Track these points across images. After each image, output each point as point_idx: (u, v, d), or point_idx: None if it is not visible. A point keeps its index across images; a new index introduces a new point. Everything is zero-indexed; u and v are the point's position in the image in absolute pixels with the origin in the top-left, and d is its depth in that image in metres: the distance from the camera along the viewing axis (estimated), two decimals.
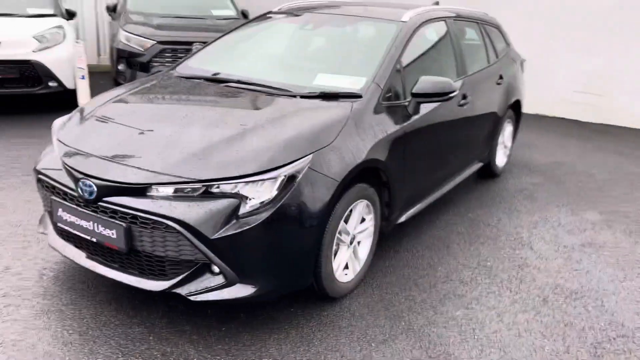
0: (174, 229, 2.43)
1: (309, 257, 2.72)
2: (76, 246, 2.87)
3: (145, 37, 6.86)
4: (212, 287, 2.56)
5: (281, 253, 2.60)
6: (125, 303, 2.91)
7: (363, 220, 3.19)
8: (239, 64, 3.80)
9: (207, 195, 2.51)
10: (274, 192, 2.53)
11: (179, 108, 3.15)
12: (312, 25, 4.08)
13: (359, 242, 3.21)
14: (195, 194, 2.50)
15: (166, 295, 2.72)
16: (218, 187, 2.52)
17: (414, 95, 3.38)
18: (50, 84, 6.94)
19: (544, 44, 8.48)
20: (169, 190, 2.52)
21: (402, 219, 3.60)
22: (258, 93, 3.26)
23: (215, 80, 3.51)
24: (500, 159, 5.42)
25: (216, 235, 2.43)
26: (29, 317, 2.75)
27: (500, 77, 4.91)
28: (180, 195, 2.51)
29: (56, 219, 2.82)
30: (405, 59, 3.59)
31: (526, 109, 8.52)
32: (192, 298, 2.55)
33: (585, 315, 3.07)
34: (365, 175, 3.07)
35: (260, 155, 2.58)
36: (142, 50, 6.75)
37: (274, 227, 2.52)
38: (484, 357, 2.64)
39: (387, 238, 3.83)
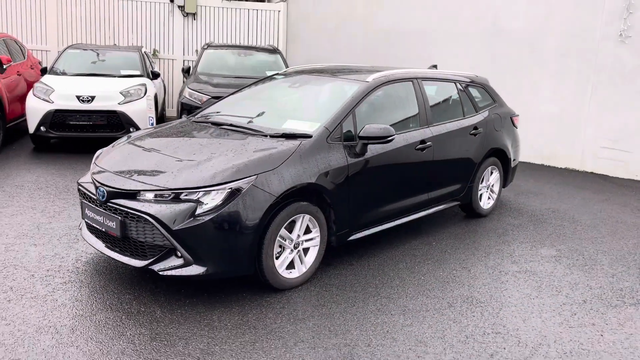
0: (149, 221, 3.53)
1: (250, 251, 3.69)
2: (97, 237, 4.05)
3: (202, 93, 8.32)
4: (175, 266, 3.60)
5: (225, 245, 3.60)
6: (127, 280, 4.02)
7: (310, 231, 4.12)
8: (238, 112, 4.94)
9: (177, 199, 3.60)
10: (220, 200, 3.56)
11: (178, 141, 4.32)
12: (298, 83, 5.17)
13: (306, 249, 4.13)
14: (168, 198, 3.60)
15: (149, 272, 3.78)
16: (186, 195, 3.59)
17: (360, 137, 4.33)
18: (131, 129, 8.52)
19: (574, 101, 8.98)
20: (150, 195, 3.64)
21: (354, 237, 4.48)
22: (240, 133, 4.36)
23: (215, 123, 4.66)
24: (486, 202, 6.09)
25: (177, 227, 3.50)
26: (60, 283, 3.93)
27: (475, 128, 5.68)
28: (158, 199, 3.62)
29: (84, 216, 4.04)
30: (362, 110, 4.56)
31: (556, 162, 9.08)
32: (161, 273, 3.61)
33: (477, 317, 3.74)
34: (309, 196, 4.03)
35: (214, 174, 3.65)
36: (200, 103, 8.18)
37: (219, 225, 3.54)
38: (396, 347, 3.43)
39: (348, 252, 4.70)
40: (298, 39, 12.88)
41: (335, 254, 4.69)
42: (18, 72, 9.64)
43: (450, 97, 5.70)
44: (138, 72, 9.56)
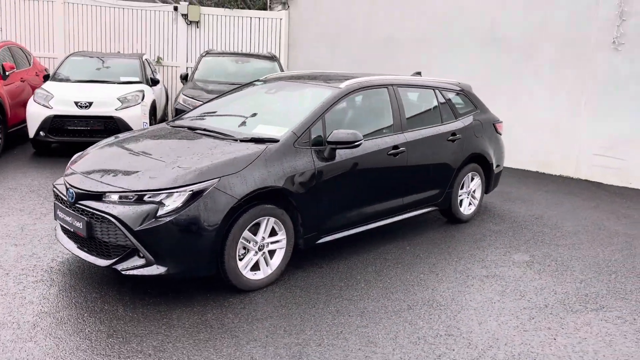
0: (112, 222, 3.65)
1: (211, 252, 3.79)
2: (69, 238, 4.18)
3: (196, 99, 8.47)
4: (137, 266, 3.71)
5: (185, 245, 3.71)
6: (97, 279, 4.14)
7: (277, 234, 4.21)
8: (214, 117, 5.07)
9: (140, 201, 3.71)
10: (181, 202, 3.67)
11: (150, 145, 4.44)
12: (275, 90, 5.28)
13: (272, 251, 4.22)
14: (131, 200, 3.72)
15: (118, 272, 3.89)
16: (150, 197, 3.71)
17: (328, 142, 4.42)
18: None
19: (569, 108, 8.96)
20: (115, 197, 3.76)
21: (322, 241, 4.56)
22: (211, 137, 4.47)
23: (190, 128, 4.78)
24: (466, 208, 6.12)
25: (138, 228, 3.61)
26: (34, 280, 4.07)
27: (453, 134, 5.73)
28: (122, 201, 3.74)
29: (56, 217, 4.18)
30: (334, 116, 4.66)
31: (551, 169, 9.06)
32: (124, 273, 3.72)
33: (433, 320, 3.79)
34: (274, 199, 4.12)
35: (177, 176, 3.76)
36: (192, 109, 8.32)
37: (179, 226, 3.65)
38: (346, 346, 3.50)
39: (320, 254, 4.78)
40: (299, 46, 13.03)
41: (306, 256, 4.77)
42: (22, 78, 9.90)
43: (428, 103, 5.76)
44: (137, 79, 9.75)
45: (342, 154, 4.56)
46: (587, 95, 8.79)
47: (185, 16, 12.77)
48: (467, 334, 3.62)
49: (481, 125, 6.17)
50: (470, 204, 6.22)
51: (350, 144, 4.42)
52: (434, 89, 5.82)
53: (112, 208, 3.71)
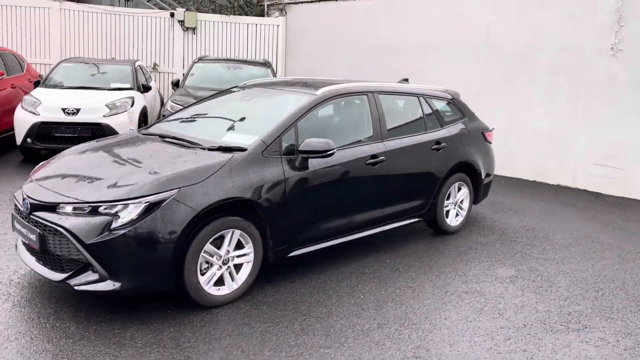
0: (64, 234, 3.49)
1: (169, 267, 3.61)
2: (27, 251, 4.02)
3: (183, 106, 8.33)
4: (90, 281, 3.54)
5: (140, 260, 3.53)
6: (56, 294, 3.98)
7: (243, 247, 4.03)
8: (186, 124, 4.91)
9: (95, 213, 3.54)
10: (136, 214, 3.50)
11: (114, 154, 4.29)
12: (250, 96, 5.11)
13: (238, 265, 4.04)
14: (86, 212, 3.55)
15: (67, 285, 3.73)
16: (105, 208, 3.54)
17: (299, 151, 4.24)
18: None
19: (566, 116, 8.73)
20: (69, 208, 3.60)
21: (294, 254, 4.37)
22: (178, 146, 4.30)
23: (161, 136, 4.62)
24: (453, 219, 5.91)
25: (91, 241, 3.44)
26: None
27: (438, 143, 5.53)
28: (77, 212, 3.57)
29: (13, 228, 4.02)
30: (307, 124, 4.48)
31: (548, 179, 8.82)
32: (76, 288, 3.55)
33: (403, 340, 3.59)
34: (240, 210, 3.94)
35: (133, 187, 3.60)
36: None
37: (134, 239, 3.48)
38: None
39: (293, 267, 4.59)
40: (296, 53, 12.89)
41: (279, 269, 4.59)
42: (13, 84, 9.82)
43: (412, 111, 5.57)
44: (128, 85, 9.65)
45: (315, 163, 4.37)
46: (584, 102, 8.55)
47: (181, 22, 12.68)
48: (436, 356, 3.41)
49: (469, 133, 5.97)
50: (457, 214, 6.00)
51: (322, 154, 4.24)
52: (418, 96, 5.63)
53: (65, 220, 3.54)
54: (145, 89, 10.02)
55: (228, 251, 3.94)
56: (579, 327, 3.89)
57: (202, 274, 3.83)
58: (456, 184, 5.85)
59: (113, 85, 9.55)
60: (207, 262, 3.86)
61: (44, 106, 8.48)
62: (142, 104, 9.40)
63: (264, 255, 4.20)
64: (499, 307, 4.15)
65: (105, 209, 3.54)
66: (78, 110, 8.48)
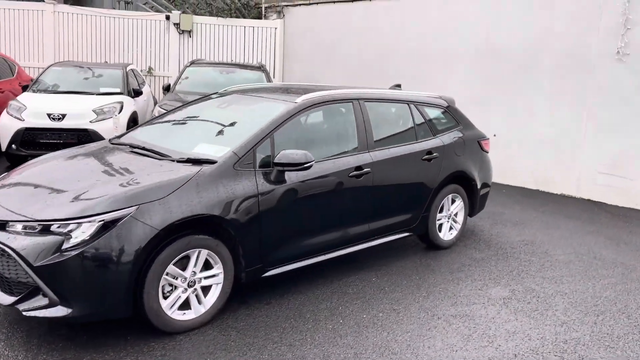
0: (11, 255, 3.20)
1: (126, 291, 3.32)
2: None
3: None
4: (40, 307, 3.25)
5: (94, 284, 3.24)
6: (11, 318, 3.70)
7: (212, 267, 3.73)
8: (159, 134, 4.62)
9: (46, 232, 3.26)
10: (89, 234, 3.21)
11: (76, 167, 4.01)
12: (227, 104, 4.82)
13: (207, 287, 3.75)
14: (36, 231, 3.27)
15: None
16: (58, 227, 3.26)
17: (275, 164, 3.94)
18: None
19: (570, 123, 8.38)
20: (19, 227, 3.31)
21: (270, 273, 4.06)
22: (146, 157, 4.02)
23: (132, 145, 4.33)
24: (446, 233, 5.58)
25: (39, 263, 3.16)
26: None
27: (429, 153, 5.21)
28: (27, 231, 3.29)
29: None
30: (285, 134, 4.18)
31: (551, 188, 8.47)
32: (25, 314, 3.27)
33: None
34: (208, 228, 3.65)
35: (87, 204, 3.31)
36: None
37: (86, 261, 3.19)
38: None
39: (271, 287, 4.29)
40: (294, 56, 12.61)
41: (256, 289, 4.29)
42: (1, 89, 9.61)
43: (401, 119, 5.26)
44: (118, 90, 9.40)
45: (294, 176, 4.08)
46: (590, 108, 8.20)
47: (177, 25, 12.44)
48: None
49: (463, 142, 5.64)
50: (451, 228, 5.68)
51: (299, 166, 3.94)
52: (408, 104, 5.32)
53: (13, 240, 3.26)
54: (136, 93, 9.76)
55: (194, 272, 3.65)
56: (575, 358, 3.56)
57: (165, 298, 3.54)
58: (450, 196, 5.53)
59: (102, 90, 9.30)
60: (170, 285, 3.56)
61: (29, 111, 8.24)
62: (132, 109, 9.14)
63: (236, 275, 3.90)
64: (488, 334, 3.83)
65: (58, 227, 3.25)
66: (64, 115, 8.24)
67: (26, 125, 8.12)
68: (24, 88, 9.42)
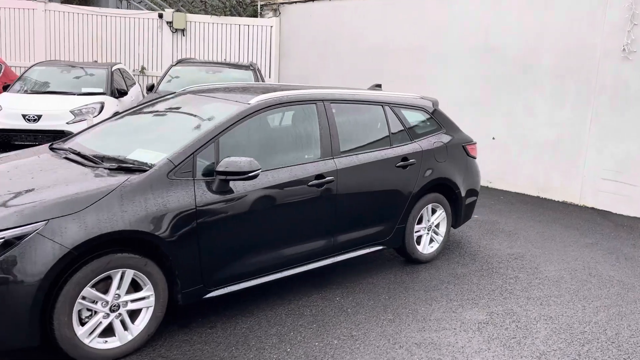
0: None
1: (30, 317, 2.92)
2: None
3: None
4: None
5: None
6: None
7: (141, 289, 3.33)
8: (102, 138, 4.23)
9: None
10: None
11: (3, 173, 3.61)
12: (178, 105, 4.42)
13: (136, 311, 3.34)
14: None
15: None
16: None
17: (217, 173, 3.52)
18: None
19: (573, 126, 7.85)
20: None
21: (213, 295, 3.65)
22: (78, 164, 3.62)
23: (71, 150, 3.93)
24: (426, 246, 5.13)
25: None
26: None
27: (405, 159, 4.76)
28: None
29: None
30: (234, 139, 3.77)
31: (552, 195, 7.95)
32: None
33: None
34: (135, 245, 3.25)
35: None
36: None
37: None
38: None
39: (220, 307, 3.87)
40: (290, 55, 12.20)
41: (202, 311, 3.87)
42: None
43: (374, 122, 4.81)
44: (101, 90, 9.09)
45: (241, 187, 3.66)
46: (593, 110, 7.66)
47: (170, 24, 12.11)
48: None
49: (445, 147, 5.18)
50: (432, 240, 5.22)
51: (242, 175, 3.51)
52: (383, 105, 4.86)
53: None
54: (121, 93, 9.46)
55: (118, 295, 3.24)
56: None
57: (83, 324, 3.14)
58: (429, 206, 5.07)
59: (84, 90, 9.00)
60: (88, 310, 3.16)
61: (4, 112, 7.97)
62: (115, 110, 8.81)
63: (172, 297, 3.49)
64: None
65: None
66: (39, 116, 7.95)
67: (0, 126, 7.83)
68: (5, 88, 9.15)
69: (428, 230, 5.14)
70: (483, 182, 8.78)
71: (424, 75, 9.46)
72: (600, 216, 7.30)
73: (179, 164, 3.47)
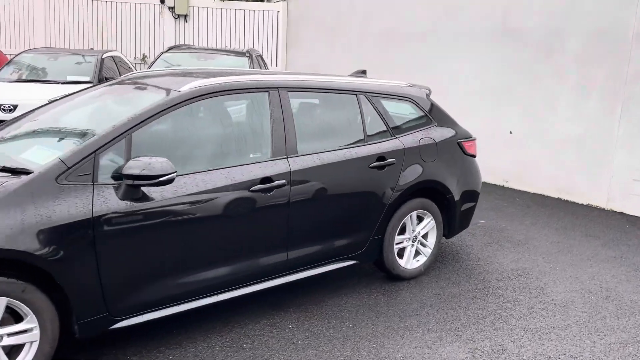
0: None
1: None
2: None
3: None
4: None
5: None
6: None
7: (22, 319, 2.70)
8: (11, 133, 3.59)
9: None
10: None
11: None
12: (105, 94, 3.76)
13: (18, 346, 2.72)
14: None
15: None
16: None
17: (123, 176, 2.85)
18: None
19: (600, 120, 6.92)
20: None
21: (122, 324, 2.99)
22: None
23: None
24: (411, 259, 4.37)
25: None
26: None
27: (382, 159, 4.00)
28: None
29: None
30: (157, 135, 3.10)
31: (575, 197, 7.05)
32: None
33: None
34: (8, 267, 2.62)
35: None
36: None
37: None
38: None
39: (132, 340, 3.21)
40: (298, 41, 11.47)
41: (116, 341, 3.23)
42: None
43: (345, 115, 4.06)
44: (87, 78, 8.56)
45: (159, 193, 2.98)
46: (624, 102, 6.71)
47: (172, 9, 11.56)
48: None
49: (435, 144, 4.39)
50: (418, 253, 4.46)
51: (152, 180, 2.83)
52: (357, 95, 4.10)
53: None
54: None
55: None
56: None
57: None
58: (414, 213, 4.30)
59: (69, 78, 8.48)
60: None
61: None
62: None
63: (65, 329, 2.85)
64: None
65: None
66: (15, 106, 7.46)
67: None
68: None
69: (413, 242, 4.38)
70: (498, 181, 7.94)
71: (434, 62, 8.61)
72: (629, 223, 6.37)
73: (73, 165, 2.81)
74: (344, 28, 10.33)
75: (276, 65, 11.49)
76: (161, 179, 2.84)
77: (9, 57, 10.74)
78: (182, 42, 11.61)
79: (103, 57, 9.13)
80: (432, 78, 8.56)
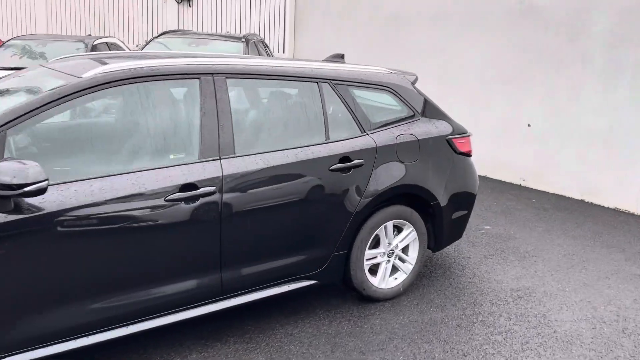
0: None
1: None
2: None
3: None
4: None
5: None
6: None
7: None
8: None
9: None
10: None
11: None
12: (11, 84, 3.17)
13: None
14: None
15: None
16: None
17: None
18: None
19: (630, 112, 6.06)
20: None
21: None
22: None
23: None
24: (387, 277, 3.70)
25: None
26: None
27: (346, 160, 3.33)
28: None
29: None
30: (42, 131, 2.51)
31: (601, 199, 6.23)
32: None
33: None
34: None
35: None
36: None
37: None
38: None
39: None
40: (306, 28, 10.79)
41: None
42: None
43: (300, 107, 3.39)
44: None
45: (37, 204, 2.39)
46: None
47: None
48: None
49: (417, 142, 3.69)
50: (396, 270, 3.78)
51: (15, 190, 2.24)
52: (319, 82, 3.42)
53: None
54: None
55: None
56: None
57: None
58: (389, 224, 3.62)
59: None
60: None
61: None
62: None
63: None
64: None
65: None
66: None
67: None
68: None
69: (389, 257, 3.70)
70: (514, 179, 7.15)
71: (448, 46, 7.82)
72: None
73: None
74: (352, 12, 9.60)
75: (283, 52, 10.85)
76: (25, 189, 2.24)
77: None
78: (185, 28, 11.08)
79: (95, 43, 8.64)
80: (443, 64, 7.79)
